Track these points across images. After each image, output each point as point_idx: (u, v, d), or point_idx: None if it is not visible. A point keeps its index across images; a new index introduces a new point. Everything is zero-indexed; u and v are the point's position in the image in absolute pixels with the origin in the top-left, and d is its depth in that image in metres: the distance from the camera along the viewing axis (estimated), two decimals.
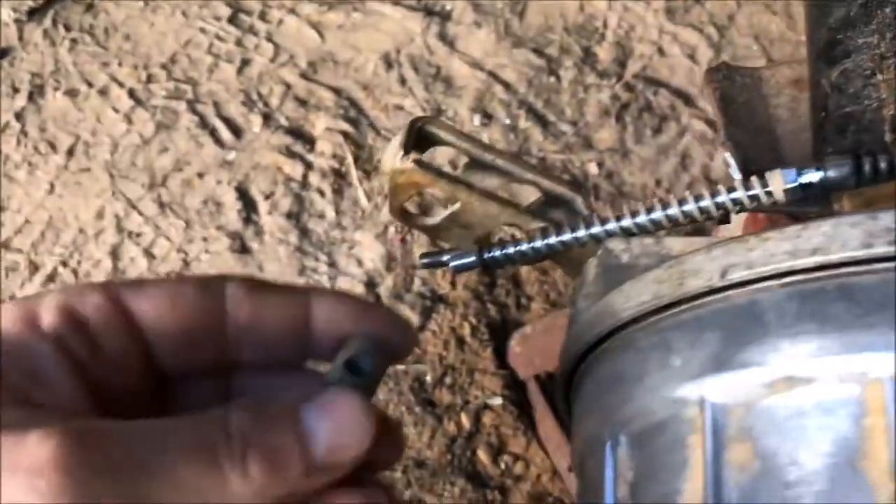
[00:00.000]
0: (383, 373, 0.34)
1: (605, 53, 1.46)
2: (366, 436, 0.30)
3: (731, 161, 0.62)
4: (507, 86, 1.43)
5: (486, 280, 1.26)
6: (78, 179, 1.37)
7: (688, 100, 1.41)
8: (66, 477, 0.26)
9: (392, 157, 0.46)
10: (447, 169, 0.49)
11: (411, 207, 0.51)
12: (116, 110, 1.43)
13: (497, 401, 1.16)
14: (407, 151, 0.46)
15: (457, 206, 0.49)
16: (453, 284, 1.26)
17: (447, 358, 1.20)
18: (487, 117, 1.46)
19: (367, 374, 0.33)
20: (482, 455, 1.14)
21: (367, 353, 0.33)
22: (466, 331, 1.22)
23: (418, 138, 0.47)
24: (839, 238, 0.34)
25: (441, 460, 1.13)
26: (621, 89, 1.41)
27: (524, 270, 1.27)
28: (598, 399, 0.44)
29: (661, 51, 1.46)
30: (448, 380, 1.19)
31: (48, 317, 0.31)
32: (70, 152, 1.39)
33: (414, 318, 1.23)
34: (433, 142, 0.48)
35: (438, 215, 0.51)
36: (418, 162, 0.46)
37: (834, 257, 0.34)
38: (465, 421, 1.16)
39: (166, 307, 0.32)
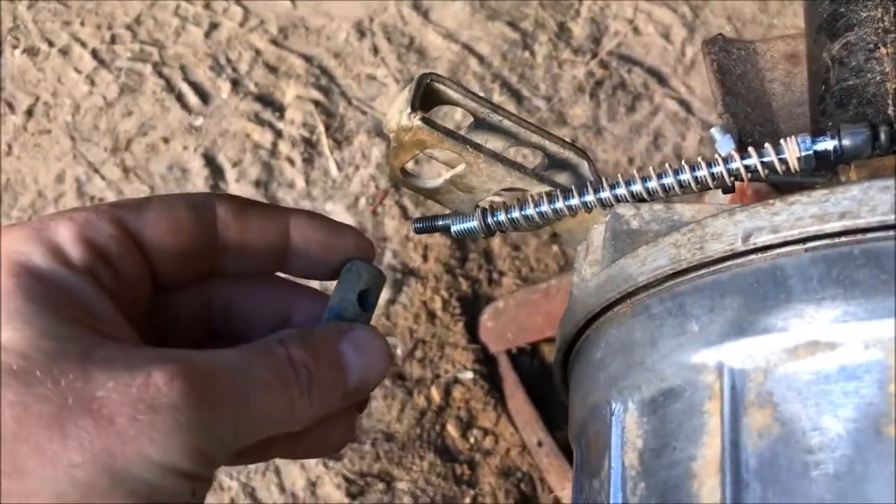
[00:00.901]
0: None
1: (579, 30, 1.45)
2: (385, 370, 0.37)
3: (717, 136, 0.61)
4: (480, 59, 1.41)
5: (458, 254, 1.25)
6: (37, 141, 1.32)
7: (661, 79, 1.41)
8: (196, 411, 0.30)
9: (398, 114, 0.44)
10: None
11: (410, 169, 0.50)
12: (79, 71, 1.38)
13: (467, 375, 1.16)
14: (414, 108, 0.44)
15: (461, 167, 0.47)
16: (425, 258, 1.24)
17: (418, 331, 1.19)
18: None
19: (374, 305, 0.37)
20: (451, 429, 1.13)
21: (376, 284, 0.37)
22: (438, 304, 1.21)
23: (425, 95, 0.46)
24: (869, 202, 0.34)
25: (410, 434, 1.12)
26: (596, 66, 1.40)
27: (496, 245, 1.26)
28: (604, 365, 0.43)
29: (635, 29, 1.46)
30: (418, 353, 1.18)
31: (75, 251, 0.33)
32: (29, 113, 1.34)
33: (385, 292, 1.22)
34: (439, 100, 0.47)
35: (439, 178, 0.49)
36: (426, 120, 0.44)
37: (862, 222, 0.34)
38: (436, 395, 1.15)
39: (166, 230, 0.36)
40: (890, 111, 0.50)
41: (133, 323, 0.35)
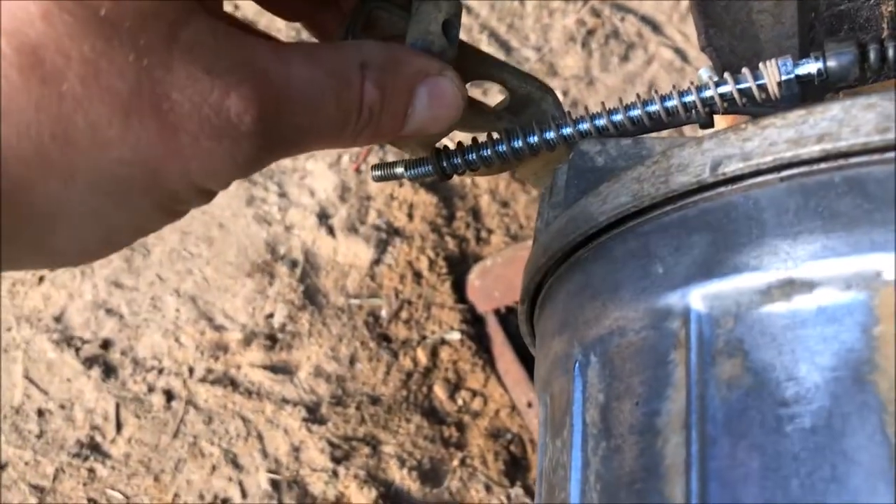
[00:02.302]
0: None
1: None
2: (448, 124, 0.37)
3: (704, 77, 0.57)
4: (468, 9, 1.36)
5: (445, 212, 1.21)
6: None
7: (655, 27, 1.36)
8: (255, 150, 0.30)
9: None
10: None
11: None
12: None
13: (455, 335, 1.12)
14: (355, 38, 0.40)
15: None
16: (410, 216, 1.20)
17: (403, 292, 1.16)
18: None
19: (456, 37, 0.36)
20: (439, 391, 1.10)
21: (456, 15, 0.36)
22: (424, 264, 1.17)
23: (368, 24, 0.42)
24: (851, 122, 0.30)
25: (396, 396, 1.09)
26: (587, 14, 1.35)
27: (484, 202, 1.22)
28: (565, 316, 0.40)
29: None
30: (404, 314, 1.14)
31: None
32: None
33: (369, 252, 1.18)
34: (385, 29, 0.43)
35: None
36: None
37: (843, 144, 0.30)
38: (422, 356, 1.12)
39: None
40: (884, 36, 0.46)
41: None
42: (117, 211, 0.29)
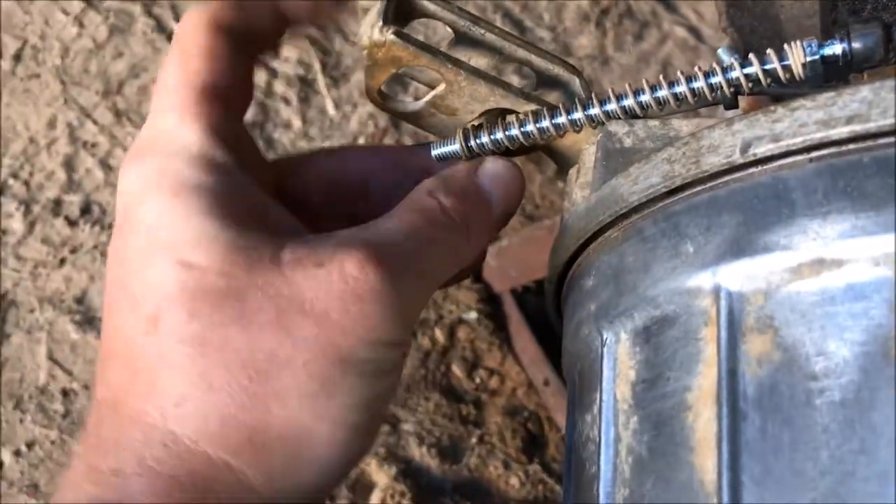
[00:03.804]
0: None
1: None
2: (522, 193, 0.42)
3: (724, 57, 0.58)
4: None
5: None
6: (27, 86, 1.29)
7: (669, 5, 1.35)
8: (393, 288, 0.33)
9: (370, 28, 0.41)
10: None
11: (389, 91, 0.47)
12: (66, 12, 1.34)
13: (472, 315, 1.14)
14: (387, 21, 0.41)
15: (441, 87, 0.44)
16: None
17: None
18: None
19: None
20: (457, 370, 1.11)
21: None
22: None
23: (399, 8, 0.42)
24: (880, 104, 0.30)
25: (415, 375, 1.11)
26: None
27: None
28: (595, 294, 0.41)
29: None
30: None
31: (213, 151, 0.36)
32: (17, 57, 1.31)
33: None
34: (416, 12, 0.43)
35: (420, 99, 0.46)
36: (399, 34, 0.41)
37: (873, 126, 0.30)
38: (440, 335, 1.13)
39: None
40: None
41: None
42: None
